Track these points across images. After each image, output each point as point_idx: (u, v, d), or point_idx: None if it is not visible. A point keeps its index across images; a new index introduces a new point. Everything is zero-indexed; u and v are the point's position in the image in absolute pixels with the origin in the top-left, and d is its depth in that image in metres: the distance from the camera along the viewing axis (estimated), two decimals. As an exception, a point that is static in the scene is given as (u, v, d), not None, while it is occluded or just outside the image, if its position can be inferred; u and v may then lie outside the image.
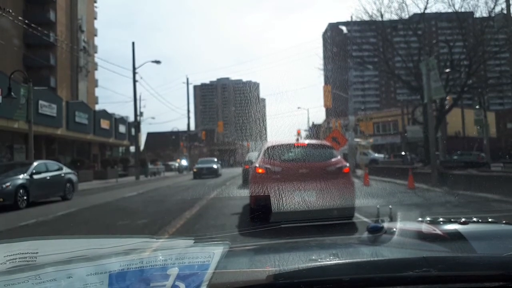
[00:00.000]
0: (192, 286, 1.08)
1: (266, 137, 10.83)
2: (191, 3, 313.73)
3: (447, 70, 23.16)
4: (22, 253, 1.16)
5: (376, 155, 40.62)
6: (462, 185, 13.24)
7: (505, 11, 22.52)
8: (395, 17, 25.59)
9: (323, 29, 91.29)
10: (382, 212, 6.28)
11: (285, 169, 7.33)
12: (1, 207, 12.49)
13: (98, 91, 51.65)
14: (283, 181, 6.92)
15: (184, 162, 50.63)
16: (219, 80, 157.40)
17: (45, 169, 15.03)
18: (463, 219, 1.75)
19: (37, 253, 1.16)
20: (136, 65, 34.72)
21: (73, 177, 16.54)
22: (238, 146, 49.12)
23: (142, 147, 55.10)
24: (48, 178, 14.85)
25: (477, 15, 25.72)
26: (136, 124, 37.80)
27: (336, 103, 26.67)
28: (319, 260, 1.46)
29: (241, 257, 1.70)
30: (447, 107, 25.44)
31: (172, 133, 64.60)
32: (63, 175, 15.78)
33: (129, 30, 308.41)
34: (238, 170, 27.44)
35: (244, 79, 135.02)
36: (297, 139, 8.78)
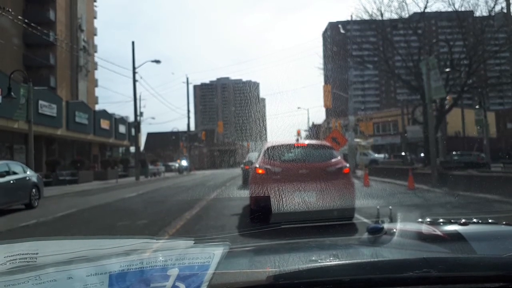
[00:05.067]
0: (192, 286, 1.08)
1: (266, 137, 10.86)
2: (191, 3, 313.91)
3: (447, 70, 23.16)
4: (22, 254, 1.16)
5: (376, 155, 40.61)
6: (462, 186, 13.25)
7: (505, 10, 22.53)
8: (395, 16, 25.62)
9: (323, 29, 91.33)
10: (382, 213, 6.29)
11: (285, 170, 7.33)
12: None
13: (98, 91, 51.76)
14: (283, 181, 6.92)
15: (184, 163, 50.65)
16: (219, 80, 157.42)
17: (6, 171, 12.72)
18: (463, 220, 1.76)
19: (37, 253, 1.16)
20: (136, 65, 34.78)
21: (39, 181, 14.49)
22: (238, 146, 49.11)
23: (142, 147, 55.16)
24: (12, 182, 12.55)
25: (477, 14, 25.73)
26: (136, 124, 37.81)
27: (336, 103, 26.69)
28: (319, 260, 1.46)
29: (241, 258, 1.70)
30: (447, 107, 25.44)
31: (172, 133, 64.65)
32: (28, 178, 13.60)
33: (129, 30, 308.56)
34: (237, 171, 27.36)
35: (244, 79, 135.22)
36: (297, 140, 8.79)
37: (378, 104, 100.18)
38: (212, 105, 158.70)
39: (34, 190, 13.61)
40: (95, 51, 49.62)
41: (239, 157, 40.60)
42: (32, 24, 24.88)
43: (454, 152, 32.59)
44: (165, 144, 73.64)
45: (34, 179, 14.06)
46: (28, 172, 13.98)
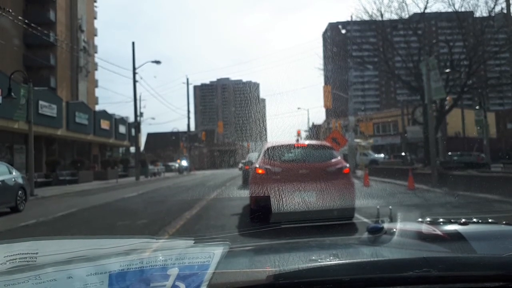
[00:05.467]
0: (192, 286, 1.08)
1: (266, 137, 10.85)
2: (191, 3, 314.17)
3: (447, 70, 23.15)
4: (22, 254, 1.16)
5: (376, 155, 40.60)
6: (462, 186, 13.25)
7: (505, 11, 22.53)
8: (395, 17, 25.63)
9: (323, 29, 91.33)
10: (382, 212, 6.30)
11: (285, 170, 7.33)
12: None
13: (98, 92, 51.71)
14: (283, 181, 6.92)
15: (184, 163, 50.65)
16: (219, 80, 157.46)
17: None
18: (463, 220, 1.76)
19: (37, 253, 1.16)
20: (136, 65, 34.79)
21: (25, 182, 13.44)
22: (238, 147, 49.10)
23: (142, 147, 55.15)
24: None
25: (477, 14, 25.72)
26: (136, 125, 37.82)
27: (336, 104, 26.71)
28: (319, 260, 1.46)
29: (241, 257, 1.70)
30: (447, 107, 25.43)
31: (172, 133, 64.70)
32: (14, 179, 12.55)
33: (129, 30, 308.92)
34: (237, 171, 27.26)
35: (244, 79, 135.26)
36: (297, 140, 8.80)
37: (378, 105, 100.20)
38: (212, 105, 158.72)
39: (20, 192, 12.55)
40: (95, 52, 49.62)
41: (239, 157, 40.59)
42: (32, 25, 24.89)
43: (449, 153, 32.50)
44: (165, 144, 73.66)
45: (20, 180, 13.01)
46: (13, 173, 12.91)
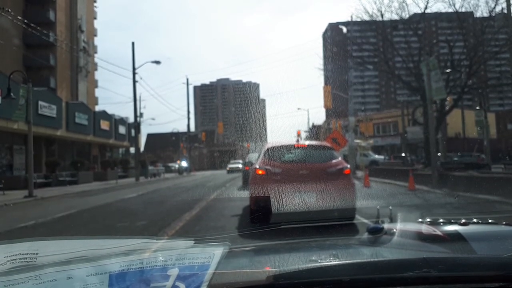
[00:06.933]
0: (192, 286, 1.08)
1: (266, 138, 10.84)
2: (191, 3, 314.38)
3: (448, 71, 23.15)
4: (22, 254, 1.16)
5: (376, 156, 40.59)
6: (462, 187, 13.25)
7: (505, 11, 22.52)
8: (395, 17, 25.63)
9: (323, 29, 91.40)
10: (382, 213, 6.30)
11: (285, 170, 7.32)
12: None
13: (98, 92, 51.64)
14: (283, 182, 6.91)
15: (184, 164, 50.62)
16: (219, 80, 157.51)
17: None
18: (463, 220, 1.76)
19: (37, 253, 1.16)
20: (136, 66, 34.79)
21: None
22: (238, 147, 49.09)
23: (142, 148, 55.13)
24: None
25: (478, 14, 25.72)
26: (136, 125, 37.80)
27: (336, 104, 26.70)
28: (319, 260, 1.46)
29: (241, 257, 1.70)
30: (447, 108, 25.43)
31: (172, 134, 64.57)
32: None
33: (129, 31, 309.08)
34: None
35: (244, 80, 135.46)
36: (297, 140, 8.79)
37: (378, 105, 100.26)
38: (212, 106, 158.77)
39: None
40: (95, 52, 49.60)
41: (239, 158, 40.52)
42: (32, 25, 24.89)
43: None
44: (165, 145, 73.63)
45: None
46: None
